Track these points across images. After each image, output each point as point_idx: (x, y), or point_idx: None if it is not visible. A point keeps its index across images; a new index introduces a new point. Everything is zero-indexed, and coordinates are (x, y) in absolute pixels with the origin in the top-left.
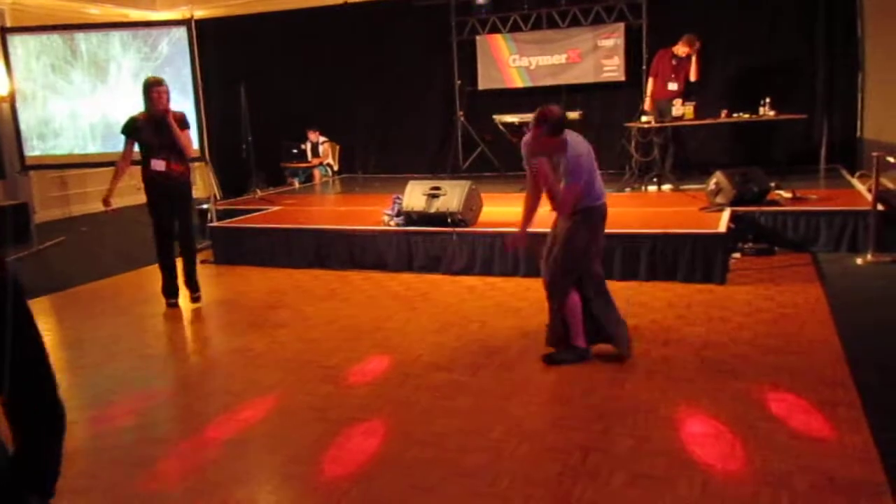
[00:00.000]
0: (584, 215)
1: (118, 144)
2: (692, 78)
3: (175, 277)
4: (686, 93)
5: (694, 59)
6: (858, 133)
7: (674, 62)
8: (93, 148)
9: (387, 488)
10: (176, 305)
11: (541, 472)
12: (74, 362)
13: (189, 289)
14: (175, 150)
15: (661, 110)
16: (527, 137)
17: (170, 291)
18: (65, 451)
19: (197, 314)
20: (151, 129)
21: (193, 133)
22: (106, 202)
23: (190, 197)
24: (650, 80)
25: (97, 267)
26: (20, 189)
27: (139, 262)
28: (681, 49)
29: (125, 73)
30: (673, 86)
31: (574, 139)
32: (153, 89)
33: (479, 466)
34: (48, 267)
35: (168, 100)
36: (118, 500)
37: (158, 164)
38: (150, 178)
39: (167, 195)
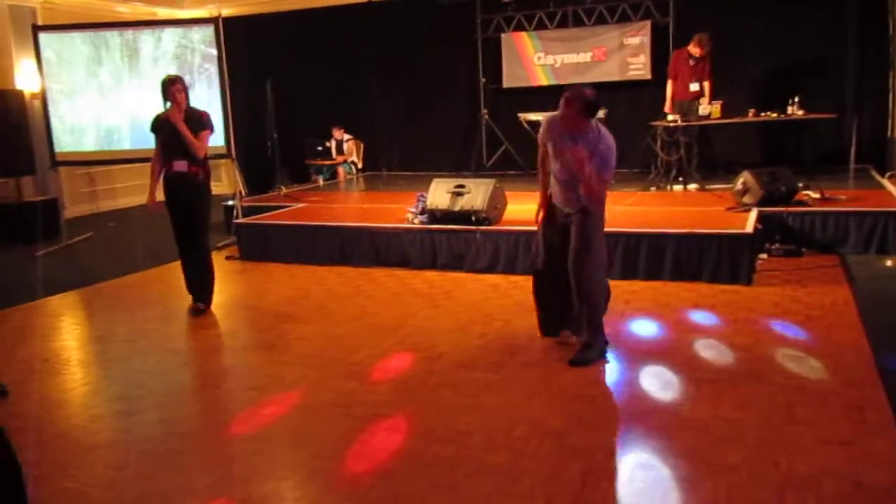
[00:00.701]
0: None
1: (146, 141)
2: (705, 97)
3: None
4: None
5: (708, 83)
6: (889, 133)
7: (691, 62)
8: (122, 144)
9: (409, 485)
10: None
11: (563, 471)
12: (101, 356)
13: (193, 295)
14: (190, 151)
15: (684, 111)
16: (553, 116)
17: (191, 292)
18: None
19: (222, 310)
20: (169, 128)
21: (220, 130)
22: (151, 203)
23: (204, 198)
24: (669, 82)
25: (124, 262)
26: (50, 185)
27: (165, 258)
28: (694, 49)
29: (156, 71)
30: (694, 86)
31: (605, 131)
32: (169, 88)
33: (502, 465)
34: (76, 262)
35: (186, 98)
36: (145, 493)
37: (181, 165)
38: (165, 179)
39: (179, 197)
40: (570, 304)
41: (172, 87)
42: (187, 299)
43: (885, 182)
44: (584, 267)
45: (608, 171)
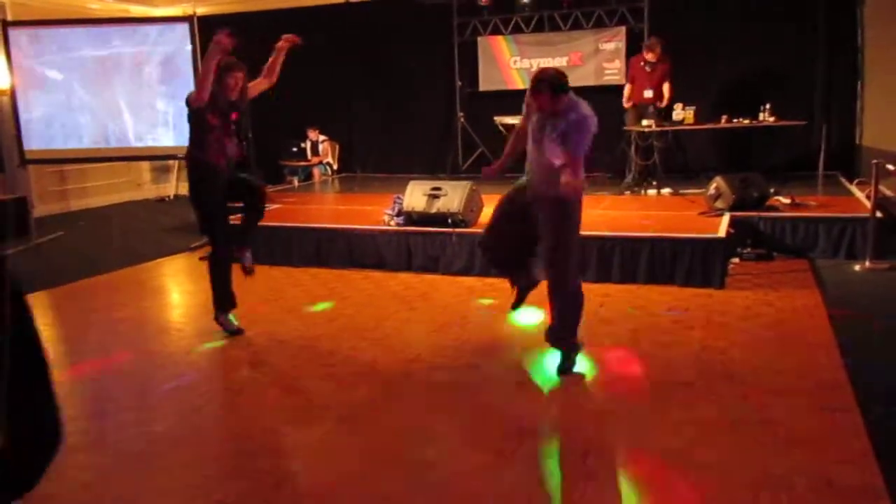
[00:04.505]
0: (576, 201)
1: (116, 139)
2: (663, 101)
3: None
4: (666, 104)
5: (667, 86)
6: (857, 140)
7: (647, 69)
8: (90, 143)
9: (388, 487)
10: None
11: (542, 473)
12: (73, 358)
13: (242, 245)
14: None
15: (641, 114)
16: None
17: (227, 306)
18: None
19: (196, 310)
20: (228, 107)
21: None
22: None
23: None
24: (627, 86)
25: (95, 262)
26: (19, 183)
27: (137, 258)
28: (647, 55)
29: (125, 69)
30: (648, 93)
31: (578, 103)
32: (233, 73)
33: (481, 466)
34: (46, 261)
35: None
36: (121, 495)
37: (234, 149)
38: (217, 167)
39: (226, 184)
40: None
41: (235, 73)
42: (158, 299)
43: (854, 189)
44: (558, 263)
45: (582, 144)
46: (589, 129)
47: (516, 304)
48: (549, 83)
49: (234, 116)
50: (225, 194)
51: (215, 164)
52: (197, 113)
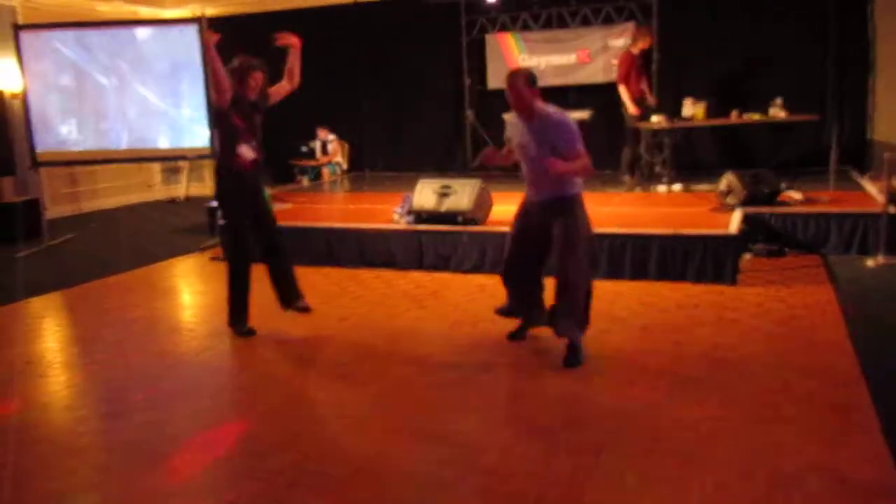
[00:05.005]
0: (578, 201)
1: (126, 141)
2: (651, 98)
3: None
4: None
5: (644, 79)
6: (869, 135)
7: (640, 62)
8: (101, 145)
9: (400, 486)
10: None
11: (553, 470)
12: (86, 358)
13: (288, 301)
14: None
15: (645, 108)
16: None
17: (244, 318)
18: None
19: (208, 311)
20: (247, 109)
21: (206, 131)
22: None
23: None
24: (623, 87)
25: (106, 263)
26: (31, 185)
27: (148, 259)
28: (644, 43)
29: (135, 70)
30: (643, 84)
31: (550, 110)
32: (251, 74)
33: (492, 465)
34: (58, 263)
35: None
36: (132, 496)
37: (253, 152)
38: (235, 172)
39: (253, 193)
40: (537, 302)
41: (256, 73)
42: (170, 300)
43: (866, 183)
44: (568, 263)
45: (579, 143)
46: (571, 128)
47: (515, 334)
48: (524, 75)
49: (256, 118)
50: (251, 210)
51: (243, 172)
52: (222, 115)
